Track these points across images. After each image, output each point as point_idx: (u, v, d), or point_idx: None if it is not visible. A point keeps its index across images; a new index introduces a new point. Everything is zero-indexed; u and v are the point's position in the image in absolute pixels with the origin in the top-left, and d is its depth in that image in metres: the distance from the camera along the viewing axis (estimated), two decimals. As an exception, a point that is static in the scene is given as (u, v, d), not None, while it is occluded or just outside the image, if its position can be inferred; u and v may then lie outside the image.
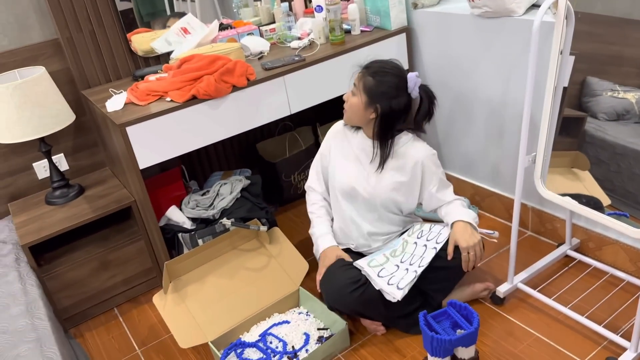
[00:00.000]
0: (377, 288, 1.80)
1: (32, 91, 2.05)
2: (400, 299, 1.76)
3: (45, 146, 2.23)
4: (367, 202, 1.92)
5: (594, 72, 1.70)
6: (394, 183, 1.89)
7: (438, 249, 1.82)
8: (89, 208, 2.24)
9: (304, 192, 2.86)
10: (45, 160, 2.34)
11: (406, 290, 1.77)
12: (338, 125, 2.02)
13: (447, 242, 1.83)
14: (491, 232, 1.90)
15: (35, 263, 2.09)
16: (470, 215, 1.85)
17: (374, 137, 1.88)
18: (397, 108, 1.81)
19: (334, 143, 2.00)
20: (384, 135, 1.85)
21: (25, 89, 2.04)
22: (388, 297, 1.78)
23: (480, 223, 2.46)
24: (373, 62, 1.85)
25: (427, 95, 1.84)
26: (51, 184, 2.34)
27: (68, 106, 2.24)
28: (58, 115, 2.15)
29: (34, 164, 2.41)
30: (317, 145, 2.77)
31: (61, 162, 2.46)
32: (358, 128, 1.95)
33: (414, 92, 1.83)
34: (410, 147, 1.89)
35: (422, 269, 1.79)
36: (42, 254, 2.23)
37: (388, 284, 1.78)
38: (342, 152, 1.97)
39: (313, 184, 2.08)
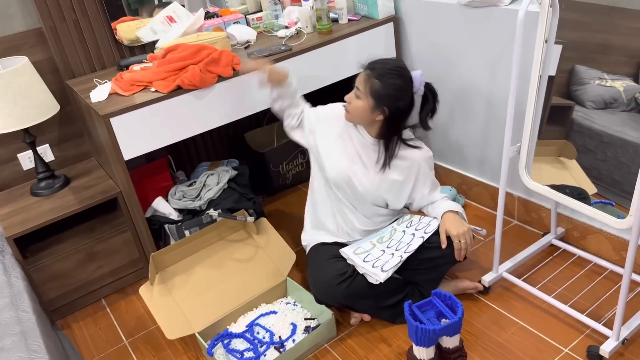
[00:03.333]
0: (360, 272, 1.81)
1: (15, 81, 2.03)
2: (382, 281, 1.77)
3: (29, 137, 2.21)
4: (358, 195, 1.92)
5: (582, 61, 1.70)
6: (391, 182, 1.89)
7: (426, 237, 1.83)
8: (75, 199, 2.22)
9: (292, 181, 2.89)
10: (30, 151, 2.32)
11: (389, 274, 1.77)
12: (342, 112, 1.93)
13: (435, 232, 1.84)
14: (479, 229, 1.91)
15: (21, 255, 2.07)
16: (458, 207, 1.87)
17: (379, 136, 1.86)
18: (403, 108, 1.79)
19: (336, 126, 1.93)
20: (391, 135, 1.84)
21: (7, 80, 2.01)
22: (371, 280, 1.79)
23: (467, 212, 2.47)
24: (376, 63, 1.79)
25: (432, 93, 1.84)
26: (36, 175, 2.32)
27: (52, 96, 2.21)
28: (42, 105, 2.13)
29: (18, 155, 2.38)
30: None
31: (46, 152, 2.44)
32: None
33: (420, 91, 1.81)
34: (408, 148, 1.88)
35: (407, 254, 1.80)
36: (28, 245, 2.21)
37: (372, 266, 1.80)
38: (342, 143, 1.91)
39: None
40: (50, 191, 2.30)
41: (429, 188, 1.93)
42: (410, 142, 1.89)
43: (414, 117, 1.88)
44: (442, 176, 2.62)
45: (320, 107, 2.02)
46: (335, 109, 1.97)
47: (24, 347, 1.59)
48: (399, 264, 1.79)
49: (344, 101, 1.86)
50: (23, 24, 2.26)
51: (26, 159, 2.40)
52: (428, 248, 1.83)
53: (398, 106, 1.77)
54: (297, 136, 2.04)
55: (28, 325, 1.71)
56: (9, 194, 2.36)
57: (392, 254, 1.82)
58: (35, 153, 2.27)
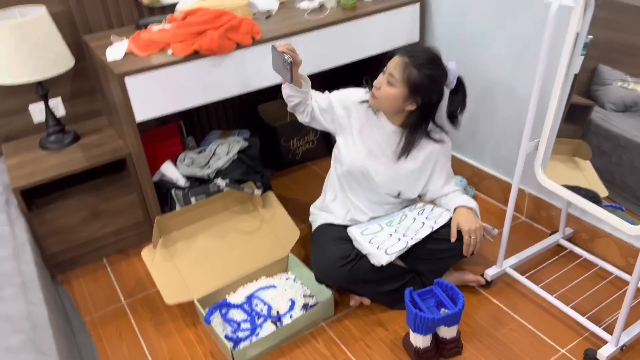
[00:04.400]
0: (364, 252, 1.80)
1: (32, 32, 2.00)
2: (384, 264, 1.75)
3: (42, 89, 2.19)
4: (373, 184, 1.89)
5: (606, 61, 1.65)
6: (408, 171, 1.86)
7: (435, 228, 1.81)
8: (84, 156, 2.21)
9: (302, 158, 2.86)
10: (42, 103, 2.30)
11: (392, 258, 1.75)
12: (362, 96, 1.87)
13: (446, 225, 1.82)
14: (491, 228, 1.88)
15: (26, 207, 2.07)
16: (473, 203, 1.84)
17: (403, 126, 1.82)
18: (436, 101, 1.75)
19: (357, 115, 1.87)
20: (418, 126, 1.80)
21: (24, 29, 1.98)
22: (373, 261, 1.77)
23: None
24: (415, 51, 1.71)
25: (463, 87, 1.79)
26: (46, 129, 2.30)
27: (68, 50, 2.18)
28: (57, 58, 2.10)
29: (30, 107, 2.37)
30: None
31: (58, 107, 2.42)
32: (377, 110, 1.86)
33: (452, 84, 1.77)
34: (429, 139, 1.85)
35: (414, 241, 1.78)
36: (33, 198, 2.21)
37: (377, 248, 1.78)
38: (363, 132, 1.86)
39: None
40: (60, 146, 2.29)
41: (444, 180, 1.90)
42: (434, 135, 1.85)
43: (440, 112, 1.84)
44: (454, 166, 2.56)
45: (340, 94, 1.90)
46: (356, 95, 1.89)
47: (23, 298, 1.60)
48: (404, 250, 1.77)
49: (363, 85, 1.81)
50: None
51: (37, 112, 2.38)
52: (436, 239, 1.82)
53: (431, 98, 1.72)
54: (318, 126, 1.92)
55: (29, 277, 1.71)
56: (18, 144, 2.35)
57: (399, 239, 1.81)
58: (47, 106, 2.25)
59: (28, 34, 1.99)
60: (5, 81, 2.04)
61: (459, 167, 2.56)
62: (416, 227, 1.85)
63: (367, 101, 1.85)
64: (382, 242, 1.81)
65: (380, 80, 1.74)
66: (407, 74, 1.67)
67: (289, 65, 1.70)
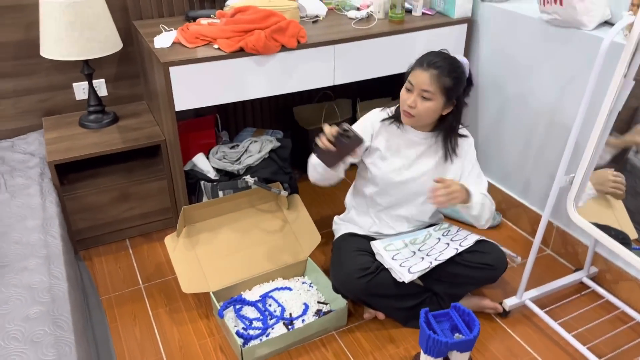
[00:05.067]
0: (387, 266, 1.80)
1: (85, 12, 2.05)
2: (407, 282, 1.75)
3: (88, 69, 2.24)
4: (413, 195, 1.89)
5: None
6: (450, 172, 1.86)
7: (459, 250, 1.79)
8: (120, 138, 2.26)
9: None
10: (86, 82, 2.36)
11: (415, 276, 1.75)
12: (380, 115, 1.88)
13: (470, 250, 1.80)
14: (514, 255, 1.85)
15: (59, 181, 2.12)
16: (482, 198, 1.78)
17: (437, 130, 1.82)
18: (464, 95, 1.79)
19: (379, 135, 1.87)
20: (456, 126, 1.82)
21: (78, 9, 2.03)
22: (395, 276, 1.77)
23: (502, 233, 2.42)
24: (435, 60, 1.70)
25: (469, 75, 1.82)
26: (87, 107, 2.36)
27: (117, 33, 2.23)
28: (106, 41, 2.15)
29: (74, 84, 2.43)
30: (354, 120, 2.72)
31: (101, 87, 2.47)
32: (401, 123, 1.85)
33: (466, 75, 1.80)
34: (458, 137, 1.86)
35: (438, 262, 1.77)
36: (66, 173, 2.26)
37: (400, 265, 1.78)
38: (390, 147, 1.86)
39: None
40: (98, 125, 2.34)
41: (474, 178, 1.86)
42: (460, 131, 1.87)
43: None
44: (483, 190, 2.56)
45: (359, 126, 1.88)
46: (373, 119, 1.89)
47: (46, 270, 1.64)
48: (427, 270, 1.76)
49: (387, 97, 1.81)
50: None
51: (80, 90, 2.44)
52: (458, 263, 1.80)
53: (462, 96, 1.77)
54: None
55: (53, 250, 1.75)
56: (58, 120, 2.41)
57: (422, 257, 1.80)
58: (91, 86, 2.31)
59: (81, 15, 2.04)
60: (54, 56, 2.09)
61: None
62: (440, 247, 1.84)
63: (389, 119, 1.86)
64: (405, 259, 1.80)
65: (412, 98, 1.72)
66: (441, 84, 1.69)
67: (346, 151, 1.62)
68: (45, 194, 2.02)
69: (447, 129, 1.81)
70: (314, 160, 1.79)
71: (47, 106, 2.43)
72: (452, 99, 1.74)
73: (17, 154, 2.26)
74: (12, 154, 2.25)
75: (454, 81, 1.71)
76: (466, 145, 1.87)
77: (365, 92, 2.92)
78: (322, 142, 1.65)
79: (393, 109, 1.89)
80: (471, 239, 1.83)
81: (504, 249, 1.96)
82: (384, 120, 1.87)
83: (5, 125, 2.38)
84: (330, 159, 1.67)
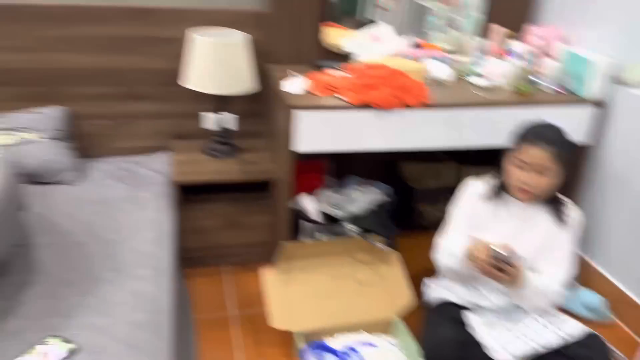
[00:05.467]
0: (482, 342, 1.73)
1: (230, 52, 2.24)
2: None
3: (221, 103, 2.42)
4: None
5: None
6: (560, 240, 1.82)
7: (561, 335, 1.71)
8: (237, 169, 2.40)
9: (428, 224, 2.81)
10: (216, 114, 2.54)
11: (513, 359, 1.68)
12: (478, 188, 1.89)
13: (576, 342, 1.69)
14: (623, 356, 1.70)
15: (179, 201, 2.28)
16: (536, 280, 1.71)
17: (542, 196, 1.78)
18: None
19: (480, 209, 1.87)
20: (559, 189, 1.80)
21: (224, 49, 2.23)
22: (491, 355, 1.70)
23: (610, 332, 2.22)
24: (546, 135, 1.69)
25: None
26: (213, 137, 2.53)
27: (252, 75, 2.40)
28: (243, 80, 2.32)
29: (203, 113, 2.61)
30: (457, 183, 2.69)
31: (230, 121, 2.65)
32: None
33: None
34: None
35: (544, 351, 1.69)
36: (184, 194, 2.42)
37: (497, 343, 1.72)
38: (495, 218, 1.84)
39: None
40: (220, 155, 2.50)
41: (557, 259, 1.78)
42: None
43: None
44: (590, 277, 2.39)
45: (465, 206, 1.91)
46: (472, 194, 1.89)
47: (154, 281, 1.75)
48: (530, 356, 1.69)
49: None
50: (248, 1, 2.47)
51: (210, 120, 2.62)
52: (563, 355, 1.69)
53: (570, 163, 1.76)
54: None
55: (164, 264, 1.87)
56: (185, 144, 2.59)
57: (518, 337, 1.72)
58: (221, 118, 2.48)
59: (226, 54, 2.23)
60: (196, 87, 2.29)
61: (598, 284, 2.36)
62: (536, 329, 1.75)
63: (491, 194, 1.85)
64: (500, 336, 1.73)
65: (530, 177, 1.71)
66: (560, 160, 1.69)
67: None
68: (165, 210, 2.17)
69: (554, 193, 1.79)
70: (458, 266, 1.80)
71: (178, 130, 2.63)
72: (566, 168, 1.72)
73: (144, 170, 2.45)
74: (139, 169, 2.45)
75: (568, 153, 1.70)
76: (576, 216, 1.81)
77: (470, 157, 2.88)
78: (485, 271, 1.66)
79: (490, 180, 1.88)
80: (572, 324, 1.72)
81: (610, 346, 1.81)
82: (488, 196, 1.86)
83: (139, 142, 2.61)
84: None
